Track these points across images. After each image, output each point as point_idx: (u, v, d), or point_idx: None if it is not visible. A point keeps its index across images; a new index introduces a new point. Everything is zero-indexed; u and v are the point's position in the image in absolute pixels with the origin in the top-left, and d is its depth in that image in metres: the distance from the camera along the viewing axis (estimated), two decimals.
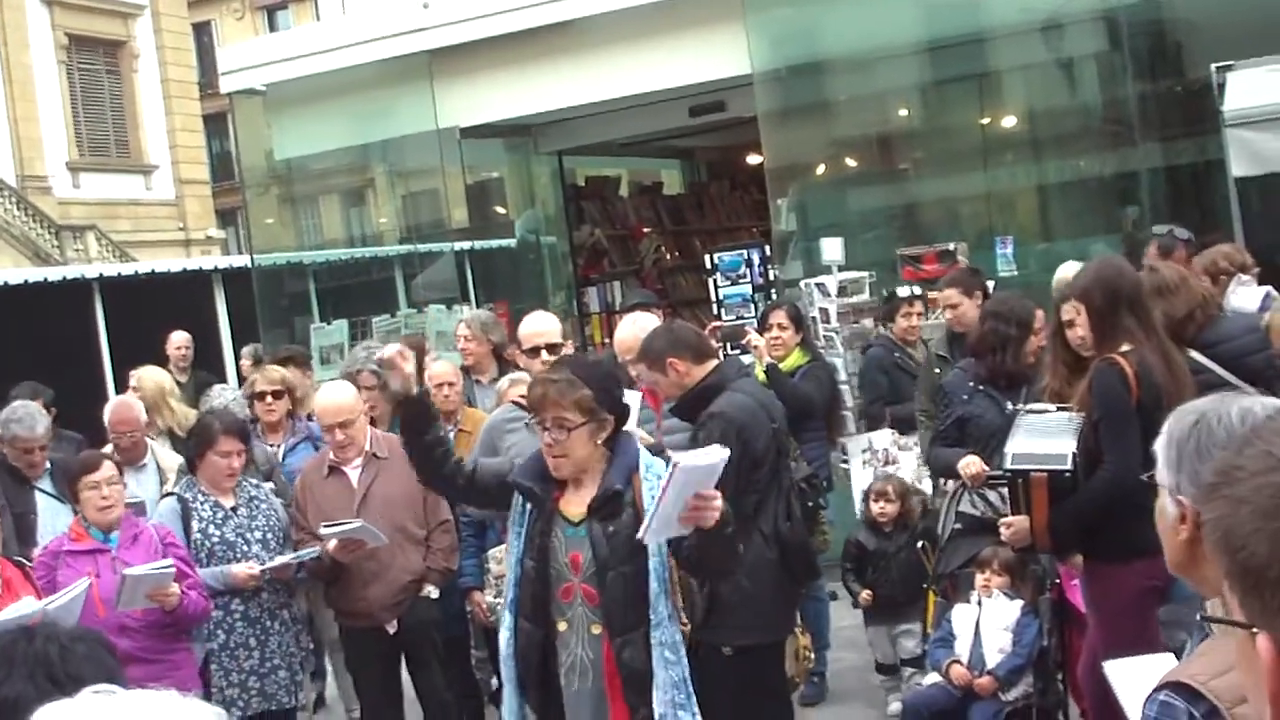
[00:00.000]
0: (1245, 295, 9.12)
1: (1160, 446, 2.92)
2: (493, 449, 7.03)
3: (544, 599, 5.38)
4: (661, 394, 6.91)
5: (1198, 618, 1.57)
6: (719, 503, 5.03)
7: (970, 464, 7.19)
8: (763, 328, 9.76)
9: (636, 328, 7.24)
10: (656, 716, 5.29)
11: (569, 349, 7.58)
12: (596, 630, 5.37)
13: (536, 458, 5.50)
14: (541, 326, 7.26)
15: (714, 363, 6.68)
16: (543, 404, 5.32)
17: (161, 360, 12.69)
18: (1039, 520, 6.05)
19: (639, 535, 5.07)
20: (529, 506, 5.45)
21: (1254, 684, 1.53)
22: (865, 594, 8.66)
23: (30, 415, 8.95)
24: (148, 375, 10.21)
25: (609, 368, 6.02)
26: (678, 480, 4.84)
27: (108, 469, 7.22)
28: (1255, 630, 1.50)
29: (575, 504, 5.43)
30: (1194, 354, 6.53)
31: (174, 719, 1.87)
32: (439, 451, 5.61)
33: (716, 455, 4.96)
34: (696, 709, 5.39)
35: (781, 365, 9.43)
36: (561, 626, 5.39)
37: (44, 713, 1.90)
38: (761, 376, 9.20)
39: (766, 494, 6.50)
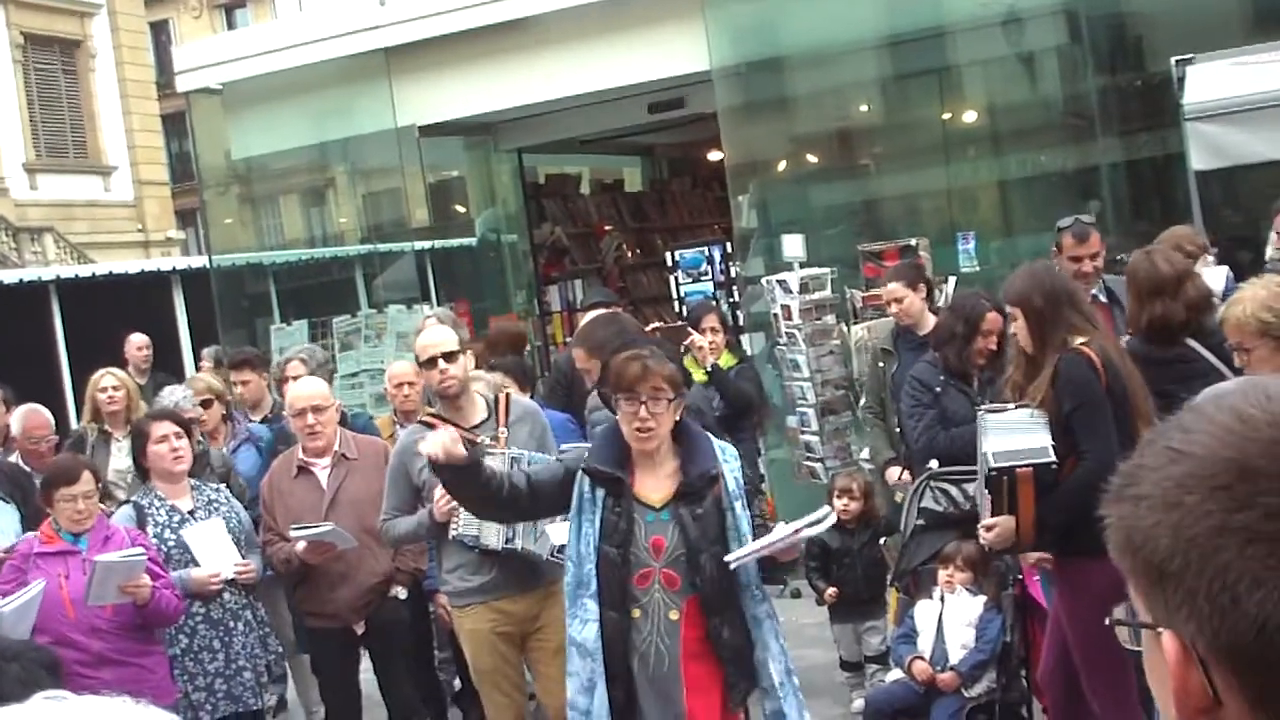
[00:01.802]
0: (1210, 276, 9.19)
1: None
2: (405, 474, 6.94)
3: (626, 585, 5.39)
4: (591, 379, 7.02)
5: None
6: (802, 546, 5.61)
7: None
8: (695, 329, 9.78)
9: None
10: (776, 684, 5.47)
11: (468, 355, 7.55)
12: (674, 615, 5.41)
13: (606, 443, 5.55)
14: (436, 338, 7.19)
15: None
16: (643, 377, 5.37)
17: (120, 362, 12.60)
18: (1026, 517, 6.02)
19: (728, 558, 5.31)
20: (600, 493, 5.45)
21: (1160, 684, 1.51)
22: (830, 591, 8.64)
23: None
24: (123, 375, 10.10)
25: (673, 348, 6.09)
26: (787, 539, 5.30)
27: (86, 481, 7.16)
28: (1160, 630, 1.47)
29: (652, 489, 5.49)
30: (1190, 341, 6.60)
31: None
32: (494, 485, 5.59)
33: (826, 522, 5.44)
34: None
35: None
36: (635, 614, 5.42)
37: None
38: (701, 376, 9.23)
39: None
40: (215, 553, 7.42)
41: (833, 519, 5.46)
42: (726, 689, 5.48)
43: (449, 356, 6.94)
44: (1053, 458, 5.90)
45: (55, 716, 1.80)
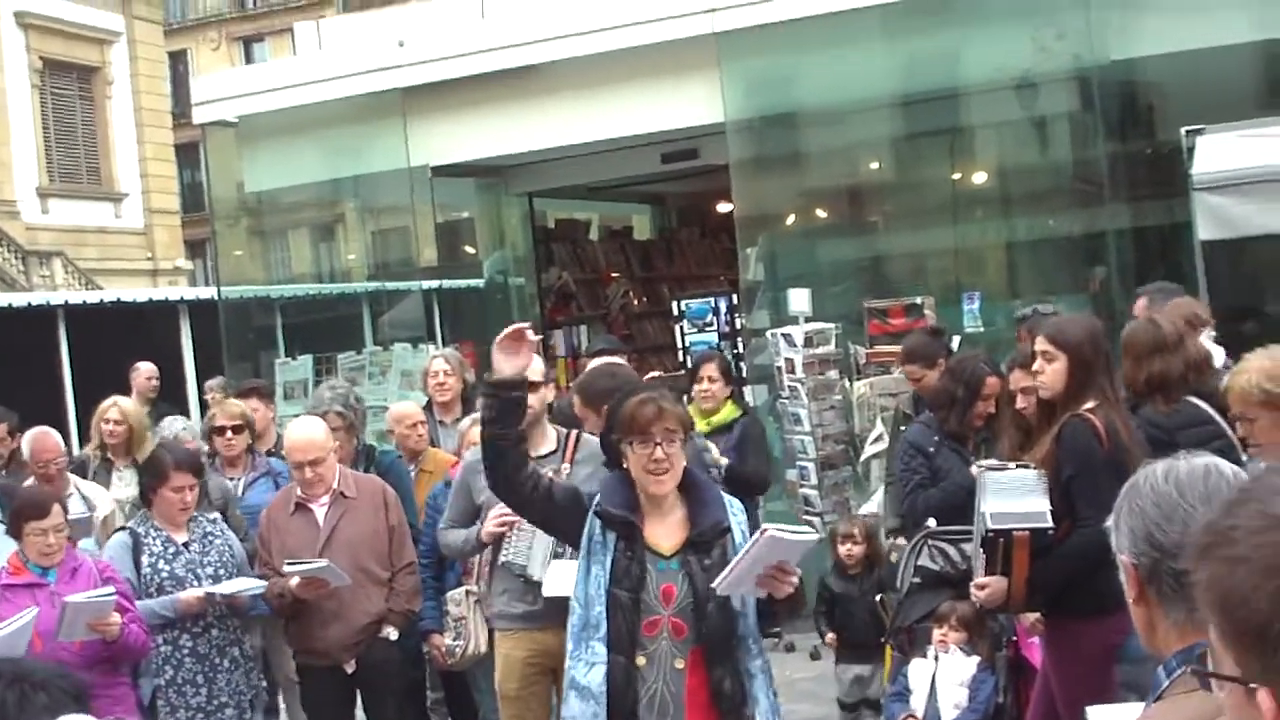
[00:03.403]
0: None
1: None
2: (468, 490, 7.01)
3: (634, 631, 5.37)
4: (588, 429, 7.00)
5: (1188, 671, 1.57)
6: (795, 580, 5.31)
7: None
8: (694, 379, 9.77)
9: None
10: None
11: (549, 388, 7.53)
12: (680, 664, 5.38)
13: (617, 487, 5.51)
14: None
15: None
16: (657, 418, 5.35)
17: (125, 390, 12.63)
18: (1019, 579, 6.03)
19: (714, 584, 5.25)
20: (611, 537, 5.44)
21: None
22: (830, 636, 8.86)
23: None
24: (129, 406, 10.08)
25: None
26: (762, 545, 5.13)
27: (55, 515, 7.09)
28: (1253, 686, 1.50)
29: (662, 536, 5.46)
30: (1199, 402, 6.63)
31: None
32: (522, 449, 5.58)
33: (806, 537, 5.31)
34: None
35: (713, 418, 9.47)
36: (640, 661, 5.37)
37: None
38: (702, 426, 9.24)
39: None
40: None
41: (814, 537, 5.44)
42: None
43: (531, 386, 7.02)
44: (1050, 523, 5.91)
45: None
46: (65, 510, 7.35)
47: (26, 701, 2.51)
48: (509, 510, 6.36)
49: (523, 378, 5.52)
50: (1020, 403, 6.53)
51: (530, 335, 5.55)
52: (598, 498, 5.52)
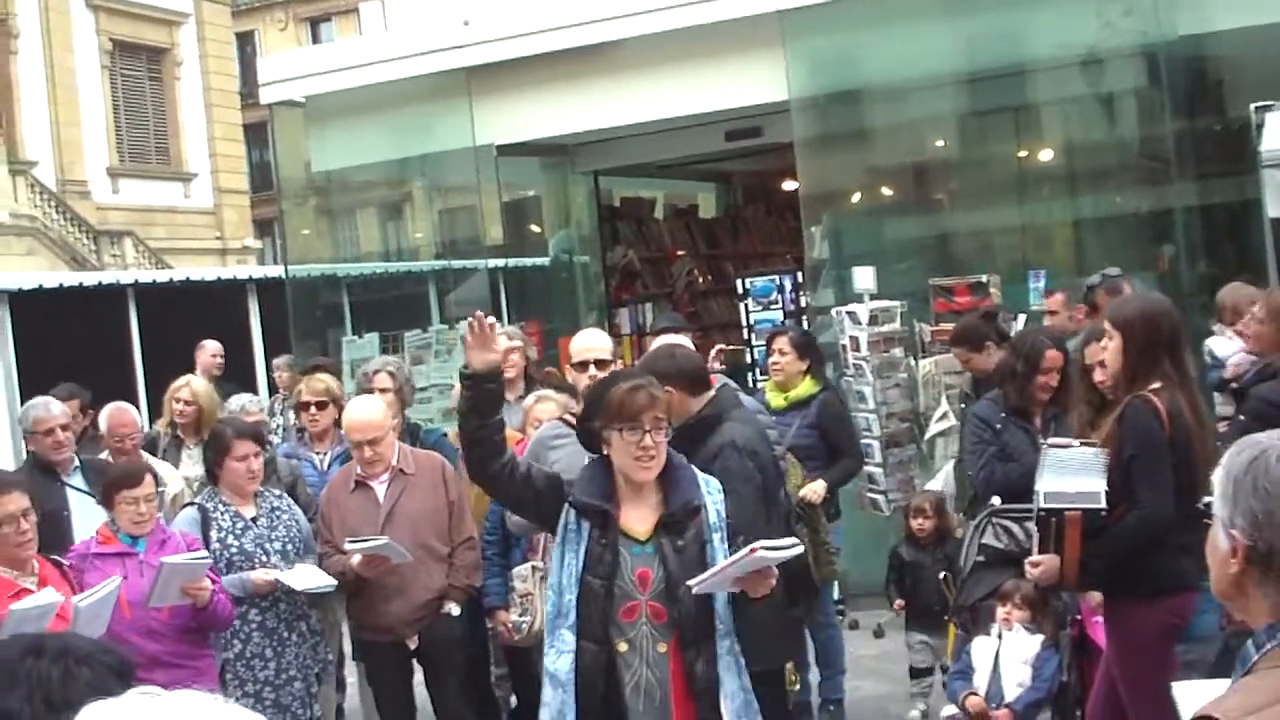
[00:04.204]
0: (1220, 344, 9.15)
1: (1217, 479, 2.89)
2: (537, 463, 7.06)
3: (608, 618, 5.38)
4: None
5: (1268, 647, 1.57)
6: (773, 581, 5.34)
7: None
8: (767, 353, 9.78)
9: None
10: None
11: (618, 365, 7.58)
12: (663, 649, 5.39)
13: (592, 476, 5.54)
14: (593, 342, 7.33)
15: (709, 394, 6.69)
16: (649, 406, 5.38)
17: (192, 368, 12.76)
18: (1071, 558, 6.02)
19: (690, 583, 5.25)
20: (585, 524, 5.46)
21: None
22: (898, 603, 9.13)
23: (44, 400, 8.99)
24: (200, 387, 10.15)
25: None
26: (748, 561, 5.16)
27: (148, 485, 7.23)
28: None
29: (636, 521, 5.47)
30: None
31: None
32: (498, 439, 5.57)
33: (792, 551, 5.27)
34: (759, 713, 5.59)
35: (789, 393, 9.46)
36: (622, 647, 5.39)
37: (88, 711, 1.90)
38: (779, 403, 9.28)
39: (766, 519, 6.53)
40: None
41: (798, 549, 5.39)
42: None
43: (600, 363, 7.06)
44: (1102, 504, 5.88)
45: (153, 710, 1.86)
46: (157, 481, 7.45)
47: (70, 677, 2.53)
48: None
49: (498, 369, 5.53)
50: (1098, 375, 6.44)
51: (493, 323, 5.55)
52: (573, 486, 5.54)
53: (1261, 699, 2.34)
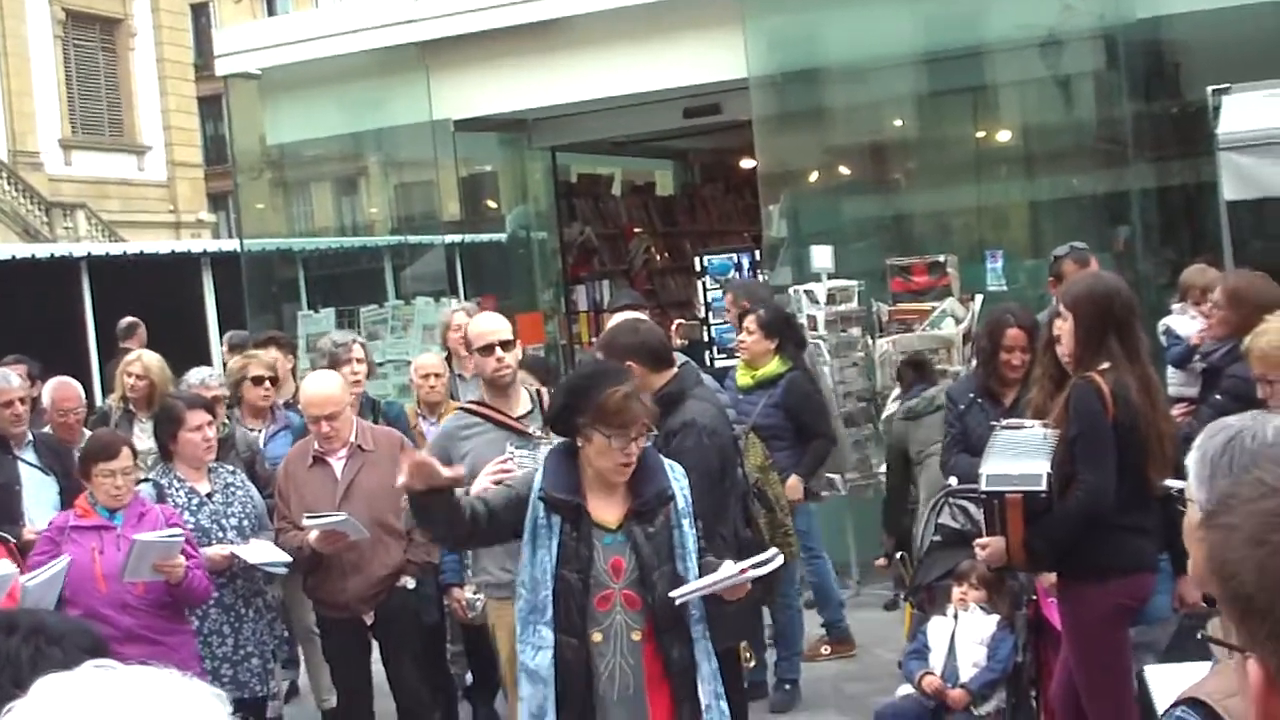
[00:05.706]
0: (1181, 323, 9.19)
1: (1192, 461, 2.89)
2: (446, 456, 6.95)
3: (585, 611, 5.37)
4: None
5: (1199, 637, 1.56)
6: (749, 586, 5.42)
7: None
8: (737, 330, 9.77)
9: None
10: (703, 707, 5.44)
11: (520, 345, 7.51)
12: (636, 636, 5.39)
13: (556, 470, 5.49)
14: (494, 325, 7.17)
15: (672, 371, 6.66)
16: (641, 416, 5.35)
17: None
18: (1015, 540, 6.03)
19: (672, 593, 5.28)
20: (556, 520, 5.41)
21: (1246, 706, 1.54)
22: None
23: (4, 372, 8.96)
24: (152, 361, 10.07)
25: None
26: (733, 580, 5.26)
27: (125, 458, 7.18)
28: (1247, 655, 1.50)
29: (606, 510, 5.45)
30: None
31: (173, 698, 1.84)
32: (456, 517, 5.45)
33: (773, 565, 5.35)
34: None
35: (758, 372, 9.43)
36: (596, 637, 5.37)
37: (41, 684, 1.87)
38: (746, 382, 9.28)
39: (726, 498, 6.52)
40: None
41: (779, 561, 5.42)
42: (674, 706, 5.45)
43: (505, 345, 6.98)
44: (1043, 487, 5.88)
45: (107, 685, 1.83)
46: (134, 454, 7.40)
47: (41, 656, 2.49)
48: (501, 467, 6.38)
49: (445, 484, 5.36)
50: (1060, 350, 6.42)
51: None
52: (539, 481, 5.49)
53: (1241, 681, 2.34)
